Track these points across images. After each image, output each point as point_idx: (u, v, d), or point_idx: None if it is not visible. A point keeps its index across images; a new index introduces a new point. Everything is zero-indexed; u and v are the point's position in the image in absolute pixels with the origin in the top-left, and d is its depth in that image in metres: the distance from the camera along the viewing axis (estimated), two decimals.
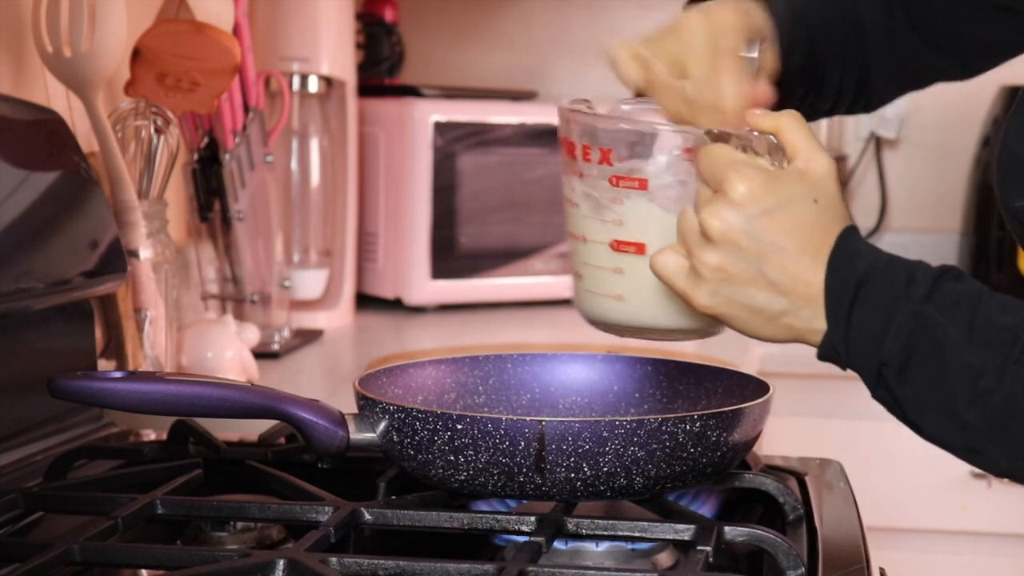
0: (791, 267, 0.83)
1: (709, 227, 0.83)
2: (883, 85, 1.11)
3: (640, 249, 0.90)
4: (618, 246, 0.90)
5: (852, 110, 1.13)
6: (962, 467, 1.95)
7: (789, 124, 0.86)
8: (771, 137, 0.86)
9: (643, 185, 0.89)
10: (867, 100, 1.12)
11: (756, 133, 0.86)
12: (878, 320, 0.82)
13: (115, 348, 1.31)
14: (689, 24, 0.95)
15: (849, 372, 0.86)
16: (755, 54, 0.95)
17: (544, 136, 2.14)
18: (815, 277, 0.83)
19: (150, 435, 1.21)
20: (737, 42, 0.93)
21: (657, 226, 0.89)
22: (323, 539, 0.85)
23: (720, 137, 0.87)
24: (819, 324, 0.84)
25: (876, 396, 0.86)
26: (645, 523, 0.87)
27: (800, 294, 0.84)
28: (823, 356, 0.86)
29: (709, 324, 0.91)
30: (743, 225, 0.83)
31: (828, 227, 0.84)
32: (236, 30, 1.60)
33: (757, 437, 0.96)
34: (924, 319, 0.82)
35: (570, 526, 0.88)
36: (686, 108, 0.93)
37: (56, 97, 1.36)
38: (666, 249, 0.86)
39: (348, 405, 0.96)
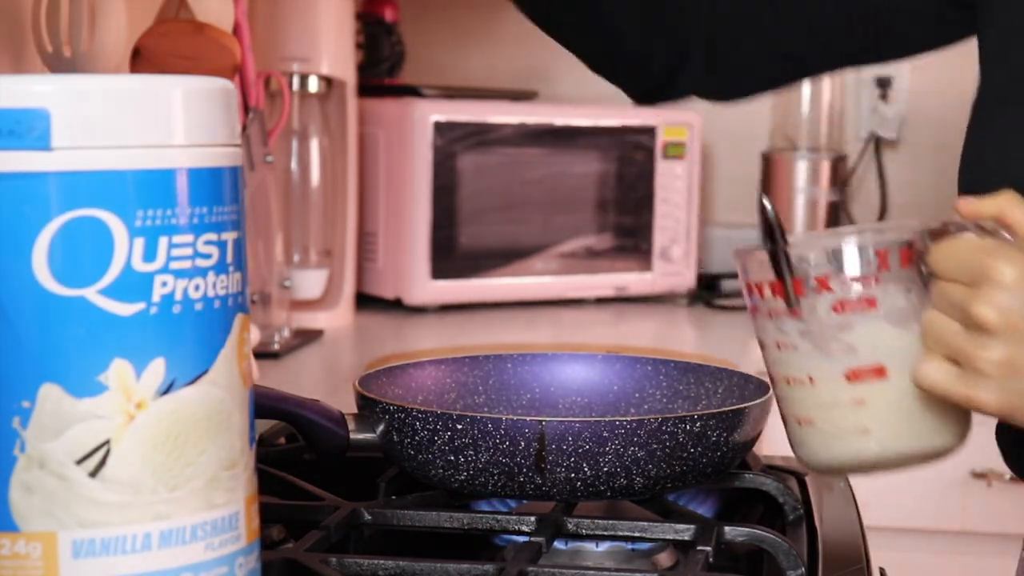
0: None
1: (985, 319, 0.76)
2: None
3: (880, 372, 0.82)
4: (855, 376, 0.82)
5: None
6: (962, 467, 1.94)
7: (1009, 203, 0.80)
8: (990, 221, 0.80)
9: (872, 303, 0.82)
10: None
11: (972, 222, 0.81)
12: None
13: None
14: None
15: None
16: None
17: (544, 136, 2.14)
18: None
19: None
20: None
21: (892, 343, 0.82)
22: (323, 539, 0.85)
23: (938, 233, 0.81)
24: None
25: None
26: (645, 523, 0.87)
27: None
28: None
29: (960, 438, 0.84)
30: (1022, 307, 0.76)
31: None
32: (236, 30, 1.59)
33: (757, 437, 0.96)
34: None
35: (570, 526, 0.88)
36: None
37: None
38: (926, 360, 0.80)
39: (348, 405, 0.96)
